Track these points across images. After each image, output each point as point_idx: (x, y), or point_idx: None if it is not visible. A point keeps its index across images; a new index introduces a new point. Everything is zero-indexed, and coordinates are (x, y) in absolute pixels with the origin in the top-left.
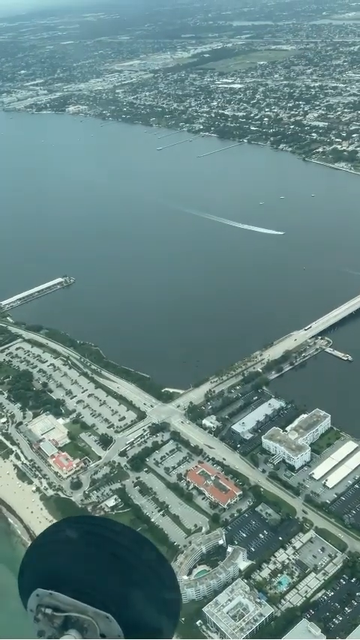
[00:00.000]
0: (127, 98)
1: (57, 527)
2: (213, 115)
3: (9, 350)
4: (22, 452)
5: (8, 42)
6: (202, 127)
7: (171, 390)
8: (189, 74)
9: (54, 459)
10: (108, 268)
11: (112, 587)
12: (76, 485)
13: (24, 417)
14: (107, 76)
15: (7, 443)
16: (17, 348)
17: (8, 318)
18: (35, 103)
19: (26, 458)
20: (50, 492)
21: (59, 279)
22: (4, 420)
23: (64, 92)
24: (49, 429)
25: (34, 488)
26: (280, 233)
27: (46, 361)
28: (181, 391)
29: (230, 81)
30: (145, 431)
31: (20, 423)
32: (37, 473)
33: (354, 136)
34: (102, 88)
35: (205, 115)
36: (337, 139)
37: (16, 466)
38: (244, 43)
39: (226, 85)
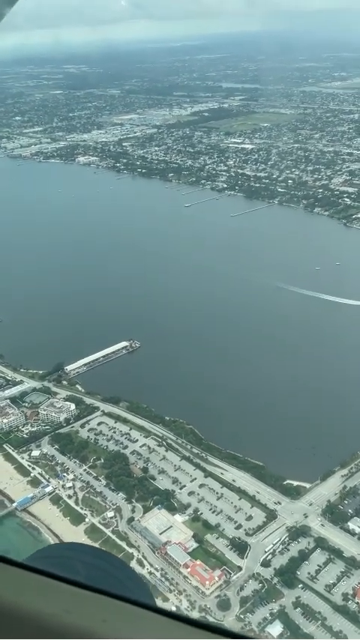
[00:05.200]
0: (137, 152)
1: (40, 553)
2: (233, 174)
3: (90, 425)
4: (144, 558)
5: None
6: (225, 186)
7: (295, 483)
8: (194, 132)
9: (189, 570)
10: (174, 333)
11: None
12: (224, 604)
13: (133, 512)
14: (109, 128)
15: (123, 544)
16: (99, 424)
17: (78, 386)
18: (41, 151)
19: (152, 566)
20: (195, 614)
21: (124, 343)
22: (111, 514)
23: (67, 142)
24: (167, 527)
25: (173, 608)
26: None
27: (137, 440)
28: (306, 485)
29: (239, 141)
30: (283, 535)
31: (132, 519)
32: (171, 587)
33: None
34: (107, 140)
35: (224, 173)
36: None
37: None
38: (239, 104)
39: (236, 145)
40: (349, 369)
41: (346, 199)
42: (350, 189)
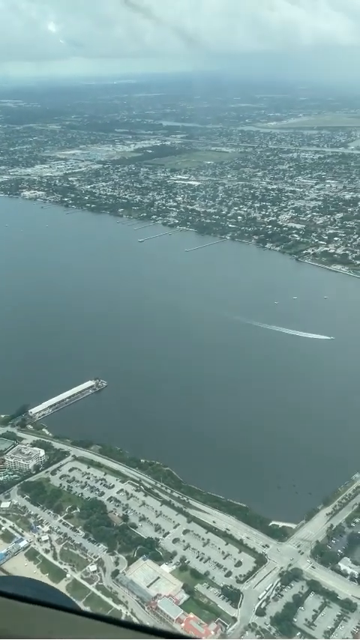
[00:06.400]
0: (84, 187)
1: None
2: (183, 210)
3: (61, 472)
4: (134, 614)
5: None
6: (177, 221)
7: (280, 525)
8: (140, 168)
9: (182, 625)
10: (139, 370)
11: None
12: None
13: (117, 564)
14: (53, 162)
15: (109, 600)
16: (71, 469)
17: (44, 430)
18: None
19: (142, 623)
20: None
21: (90, 383)
22: (93, 567)
23: (10, 175)
24: (154, 579)
25: None
26: (328, 338)
27: (113, 486)
28: (292, 525)
29: (185, 177)
30: (275, 580)
31: (116, 572)
32: None
33: (336, 239)
34: (52, 174)
35: (174, 209)
36: (321, 242)
37: None
38: (181, 142)
39: (183, 182)
40: (318, 405)
41: (295, 235)
42: (298, 226)
